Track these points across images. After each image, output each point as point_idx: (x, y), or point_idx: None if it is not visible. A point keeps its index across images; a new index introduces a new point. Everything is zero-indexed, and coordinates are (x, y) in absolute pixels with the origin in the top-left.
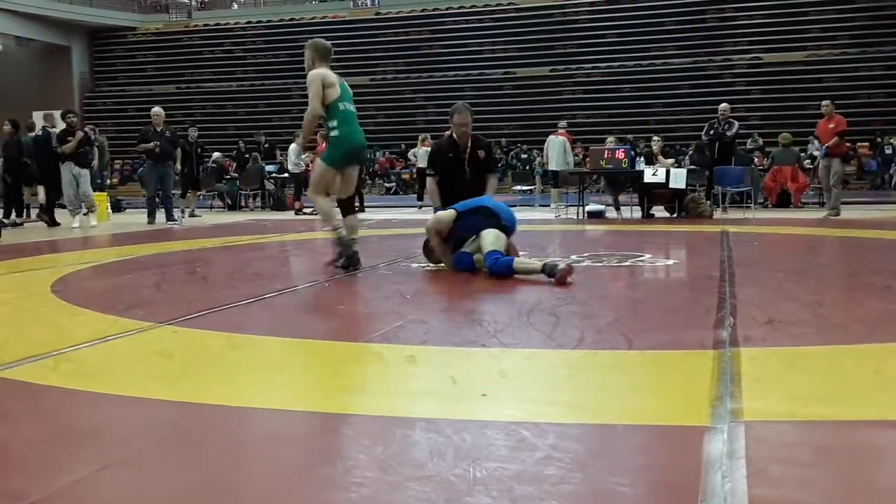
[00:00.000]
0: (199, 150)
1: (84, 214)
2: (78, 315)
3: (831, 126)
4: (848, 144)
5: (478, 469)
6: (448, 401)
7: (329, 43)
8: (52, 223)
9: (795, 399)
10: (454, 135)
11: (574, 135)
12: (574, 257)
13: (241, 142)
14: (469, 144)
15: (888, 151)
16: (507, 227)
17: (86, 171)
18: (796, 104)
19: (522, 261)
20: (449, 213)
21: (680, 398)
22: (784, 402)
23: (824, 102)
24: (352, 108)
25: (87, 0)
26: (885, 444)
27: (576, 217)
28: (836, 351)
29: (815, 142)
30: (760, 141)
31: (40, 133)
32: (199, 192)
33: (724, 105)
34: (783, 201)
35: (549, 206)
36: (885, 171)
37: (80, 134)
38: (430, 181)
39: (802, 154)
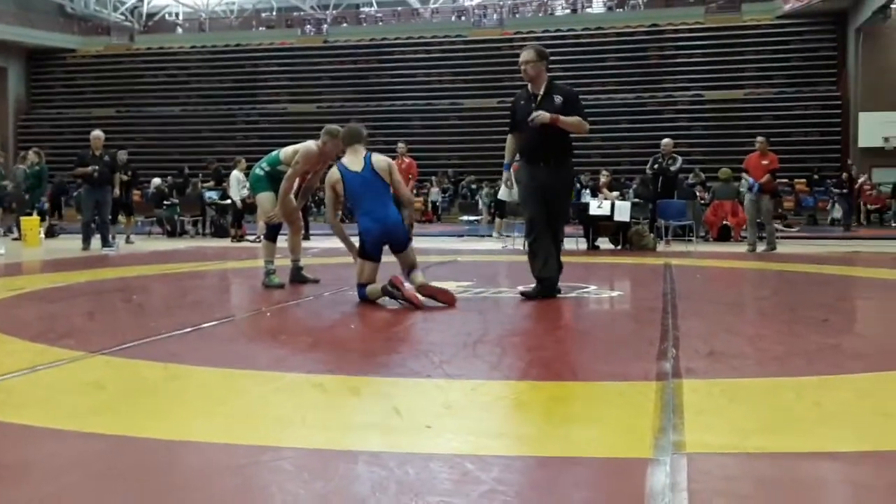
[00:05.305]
0: (131, 173)
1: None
2: (6, 344)
3: (764, 163)
4: (782, 181)
5: (421, 503)
6: (392, 433)
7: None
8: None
9: (737, 431)
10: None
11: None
12: (520, 288)
13: (186, 167)
14: (542, 91)
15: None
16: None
17: None
18: (736, 140)
19: (373, 288)
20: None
21: (623, 430)
22: (726, 434)
23: (759, 139)
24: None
25: (26, 21)
26: (825, 475)
27: (522, 248)
28: (776, 383)
29: (746, 175)
30: (702, 175)
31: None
32: (134, 218)
33: (666, 140)
34: (724, 235)
35: (492, 236)
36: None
37: None
38: (508, 138)
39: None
